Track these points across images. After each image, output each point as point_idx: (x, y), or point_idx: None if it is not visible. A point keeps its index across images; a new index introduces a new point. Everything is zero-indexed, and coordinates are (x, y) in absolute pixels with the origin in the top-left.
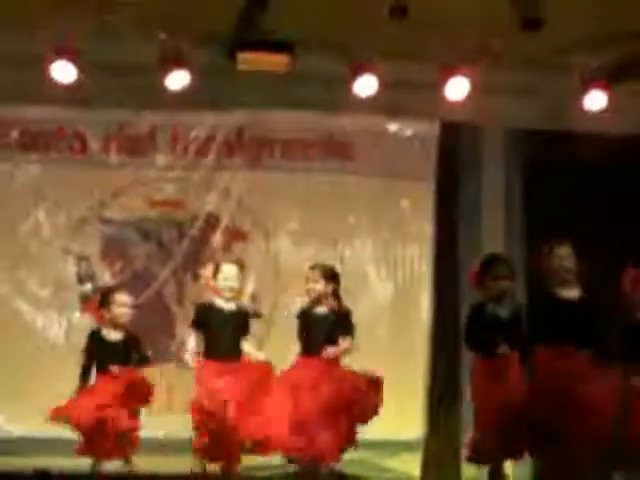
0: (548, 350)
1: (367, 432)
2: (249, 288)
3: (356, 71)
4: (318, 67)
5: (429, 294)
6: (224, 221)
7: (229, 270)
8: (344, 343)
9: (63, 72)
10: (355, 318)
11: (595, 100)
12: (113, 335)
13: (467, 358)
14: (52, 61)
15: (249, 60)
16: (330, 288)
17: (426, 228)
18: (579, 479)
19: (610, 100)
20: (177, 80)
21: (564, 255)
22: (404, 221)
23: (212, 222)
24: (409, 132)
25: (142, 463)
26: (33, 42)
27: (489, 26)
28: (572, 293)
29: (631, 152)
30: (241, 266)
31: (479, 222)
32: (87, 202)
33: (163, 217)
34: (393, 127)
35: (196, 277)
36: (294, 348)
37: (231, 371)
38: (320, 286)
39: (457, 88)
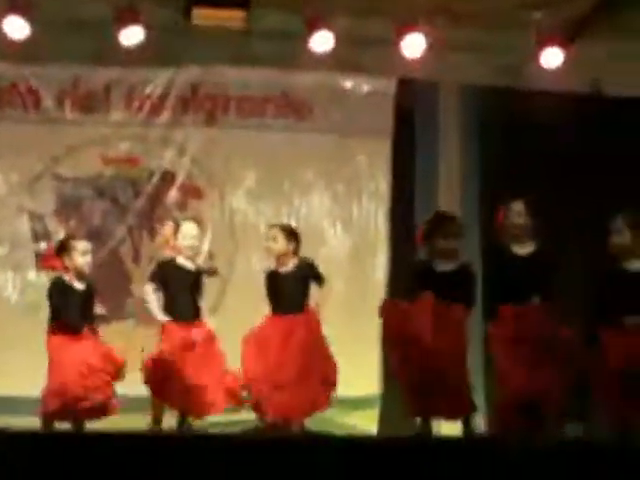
0: (505, 307)
1: None
2: (205, 246)
3: (312, 27)
4: (274, 23)
5: (385, 250)
6: (180, 178)
7: (189, 229)
8: (320, 295)
9: (16, 28)
10: None
11: (551, 57)
12: (76, 284)
13: None
14: (5, 16)
15: (204, 15)
16: (292, 247)
17: (382, 184)
18: (534, 431)
19: (567, 57)
20: (131, 36)
21: (518, 211)
22: (361, 178)
23: (168, 179)
24: (365, 89)
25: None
26: None
27: None
28: (525, 249)
29: (585, 110)
30: (199, 224)
31: (436, 178)
32: (41, 159)
33: (118, 174)
34: (349, 84)
35: (152, 235)
36: (250, 306)
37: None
38: (280, 245)
39: (413, 45)
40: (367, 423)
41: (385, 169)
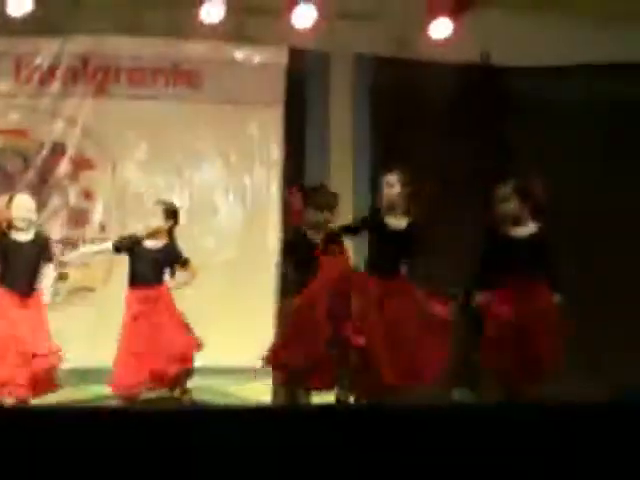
0: (381, 280)
1: (216, 359)
2: (97, 217)
3: None
4: None
5: (277, 219)
6: (70, 150)
7: (23, 200)
8: (183, 275)
9: None
10: (204, 244)
11: (441, 28)
12: None
13: None
14: None
15: None
16: (168, 225)
17: (274, 154)
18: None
19: (457, 28)
20: (19, 6)
21: (392, 183)
22: (253, 147)
23: (58, 151)
24: (257, 59)
25: None
26: None
27: None
28: (400, 222)
29: (475, 80)
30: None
31: (327, 147)
32: None
33: (7, 146)
34: (240, 54)
35: (42, 206)
36: None
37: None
38: (158, 222)
39: (304, 15)
40: (259, 393)
41: (277, 138)
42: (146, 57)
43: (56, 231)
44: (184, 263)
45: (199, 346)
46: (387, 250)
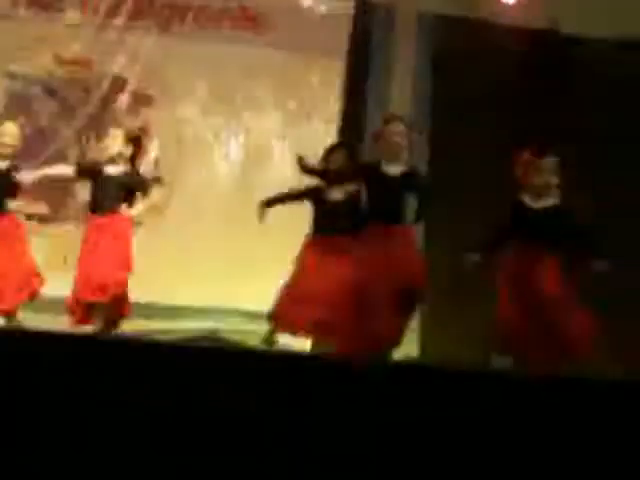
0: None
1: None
2: (152, 153)
3: None
4: None
5: None
6: (131, 84)
7: (9, 128)
8: (141, 203)
9: None
10: (257, 188)
11: None
12: None
13: None
14: None
15: None
16: (128, 151)
17: (334, 106)
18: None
19: None
20: None
21: (398, 132)
22: (312, 97)
23: (119, 84)
24: (323, 8)
25: (31, 320)
26: None
27: None
28: (396, 169)
29: (539, 46)
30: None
31: (387, 101)
32: None
33: (70, 76)
34: (308, 2)
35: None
36: (189, 214)
37: None
38: (117, 147)
39: None
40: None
41: (337, 91)
42: None
43: None
44: (146, 190)
45: (120, 284)
46: (387, 196)
